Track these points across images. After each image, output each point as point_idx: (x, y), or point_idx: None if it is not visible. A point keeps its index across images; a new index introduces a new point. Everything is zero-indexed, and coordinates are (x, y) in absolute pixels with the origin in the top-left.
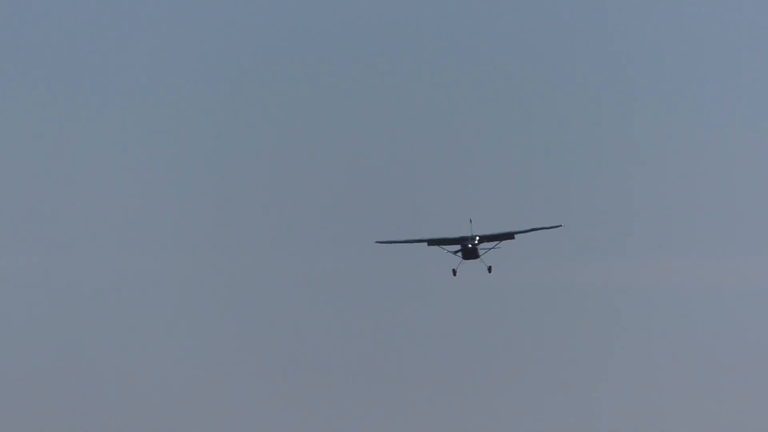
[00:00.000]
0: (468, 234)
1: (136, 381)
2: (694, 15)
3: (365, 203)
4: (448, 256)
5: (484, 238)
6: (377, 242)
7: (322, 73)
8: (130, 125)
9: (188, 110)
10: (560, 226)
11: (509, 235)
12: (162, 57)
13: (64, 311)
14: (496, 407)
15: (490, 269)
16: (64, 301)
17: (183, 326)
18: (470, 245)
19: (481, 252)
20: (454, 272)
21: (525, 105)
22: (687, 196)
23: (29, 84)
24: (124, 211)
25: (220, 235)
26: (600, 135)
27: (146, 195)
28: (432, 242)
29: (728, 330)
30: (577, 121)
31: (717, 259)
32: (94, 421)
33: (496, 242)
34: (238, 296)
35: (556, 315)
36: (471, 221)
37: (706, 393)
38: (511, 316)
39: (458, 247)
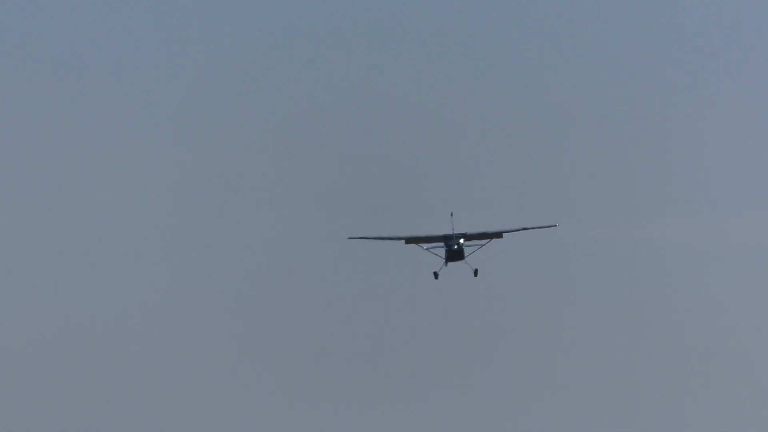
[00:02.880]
0: (451, 232)
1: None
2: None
3: (342, 197)
4: (429, 256)
5: (470, 237)
6: (350, 238)
7: (310, 68)
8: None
9: (167, 103)
10: (554, 225)
11: (497, 234)
12: (145, 44)
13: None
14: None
15: (476, 272)
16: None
17: (155, 321)
18: (456, 246)
19: (466, 253)
20: (436, 275)
21: (512, 99)
22: (688, 204)
23: (29, 81)
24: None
25: (194, 229)
26: (592, 130)
27: (127, 197)
28: (410, 240)
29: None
30: (568, 117)
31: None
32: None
33: (484, 240)
34: (202, 287)
35: (546, 320)
36: (452, 215)
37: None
38: (497, 324)
39: (439, 244)
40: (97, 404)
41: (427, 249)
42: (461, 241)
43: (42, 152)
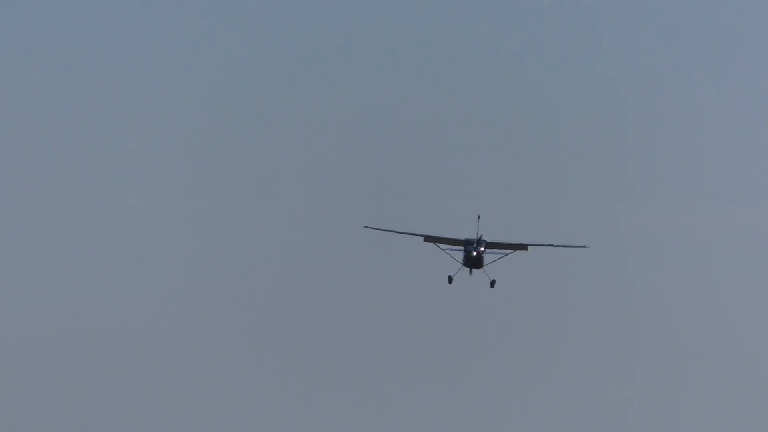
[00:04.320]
0: (474, 237)
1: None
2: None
3: (369, 186)
4: (446, 258)
5: (493, 245)
6: (366, 227)
7: (338, 56)
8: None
9: (177, 94)
10: (585, 246)
11: (522, 246)
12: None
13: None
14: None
15: (493, 283)
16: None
17: (165, 312)
18: (475, 253)
19: (486, 261)
20: (450, 280)
21: (550, 105)
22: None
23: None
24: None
25: (203, 213)
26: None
27: (133, 194)
28: (430, 239)
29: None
30: (606, 128)
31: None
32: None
33: (507, 251)
34: (211, 278)
35: (557, 340)
36: (479, 217)
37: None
38: (504, 337)
39: (459, 248)
40: (107, 403)
41: (445, 250)
42: (482, 249)
43: (42, 151)
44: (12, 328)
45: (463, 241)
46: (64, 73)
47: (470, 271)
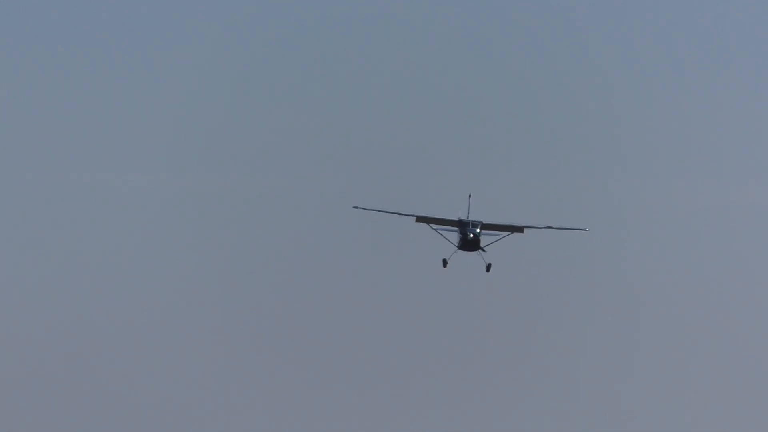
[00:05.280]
0: (466, 217)
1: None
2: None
3: (359, 169)
4: (439, 240)
5: (488, 227)
6: (355, 207)
7: (320, 37)
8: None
9: (174, 73)
10: (585, 229)
11: (518, 228)
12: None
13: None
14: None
15: (489, 267)
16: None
17: (153, 295)
18: (471, 236)
19: (482, 244)
20: (445, 263)
21: (560, 83)
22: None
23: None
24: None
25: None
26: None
27: (124, 187)
28: (422, 219)
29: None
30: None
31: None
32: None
33: (503, 233)
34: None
35: (552, 326)
36: (470, 196)
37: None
38: (499, 324)
39: (453, 229)
40: (106, 400)
41: (437, 230)
42: (478, 230)
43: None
44: (10, 323)
45: (457, 221)
46: (63, 66)
47: (465, 245)
